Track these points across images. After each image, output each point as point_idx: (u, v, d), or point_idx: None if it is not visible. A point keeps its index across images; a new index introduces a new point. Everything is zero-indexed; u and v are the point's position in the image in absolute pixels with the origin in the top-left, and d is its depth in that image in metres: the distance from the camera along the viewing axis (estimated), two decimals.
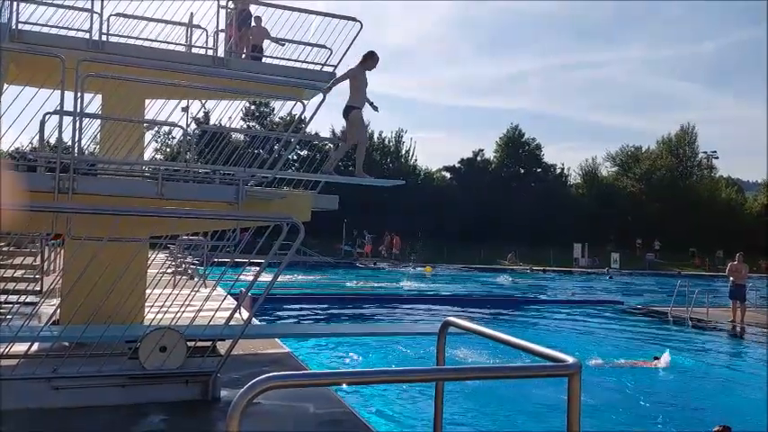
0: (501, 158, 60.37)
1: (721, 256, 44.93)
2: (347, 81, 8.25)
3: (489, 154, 60.86)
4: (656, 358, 11.29)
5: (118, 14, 8.03)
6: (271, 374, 2.00)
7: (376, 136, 54.48)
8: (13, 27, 7.21)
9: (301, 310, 17.10)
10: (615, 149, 66.59)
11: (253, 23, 9.46)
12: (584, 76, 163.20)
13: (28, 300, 7.53)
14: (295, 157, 42.21)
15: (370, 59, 8.32)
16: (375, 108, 8.57)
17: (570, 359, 2.43)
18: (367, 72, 8.35)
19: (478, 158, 60.00)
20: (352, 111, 8.22)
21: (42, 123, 6.24)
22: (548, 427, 7.35)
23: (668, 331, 16.07)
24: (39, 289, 8.74)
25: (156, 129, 25.87)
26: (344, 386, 6.49)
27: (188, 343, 5.49)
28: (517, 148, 60.29)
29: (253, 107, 51.09)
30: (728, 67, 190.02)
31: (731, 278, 16.59)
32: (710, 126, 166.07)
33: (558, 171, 62.41)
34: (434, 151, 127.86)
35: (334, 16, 8.44)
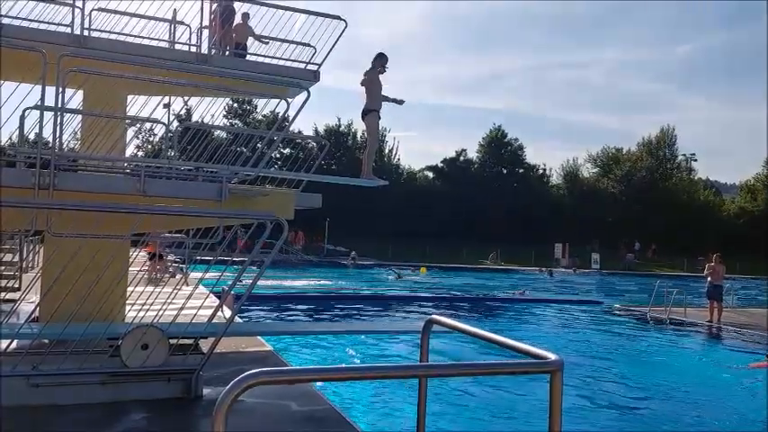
0: (483, 158, 60.67)
1: (701, 258, 45.60)
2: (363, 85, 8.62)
3: (472, 154, 61.20)
4: None
5: (100, 9, 7.94)
6: (257, 370, 2.01)
7: (359, 135, 54.46)
8: None
9: (284, 308, 17.06)
10: (597, 150, 67.38)
11: (238, 20, 9.42)
12: (566, 77, 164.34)
13: (6, 297, 7.43)
14: (278, 156, 42.17)
15: (380, 60, 8.68)
16: (400, 102, 8.83)
17: (552, 356, 2.46)
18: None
19: (461, 158, 60.26)
20: (369, 113, 8.47)
21: (22, 118, 6.16)
22: (535, 426, 7.42)
23: (647, 331, 16.29)
24: (17, 286, 8.63)
25: (138, 125, 25.62)
26: (327, 384, 6.50)
27: (170, 341, 5.46)
28: (500, 148, 60.65)
29: (236, 105, 50.88)
30: (707, 69, 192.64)
31: (709, 278, 16.85)
32: (690, 128, 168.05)
33: (540, 171, 62.88)
34: (417, 150, 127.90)
35: (318, 14, 8.42)
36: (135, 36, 8.11)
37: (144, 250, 15.54)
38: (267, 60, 8.74)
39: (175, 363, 5.50)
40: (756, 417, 8.46)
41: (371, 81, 8.53)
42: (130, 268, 7.12)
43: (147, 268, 13.06)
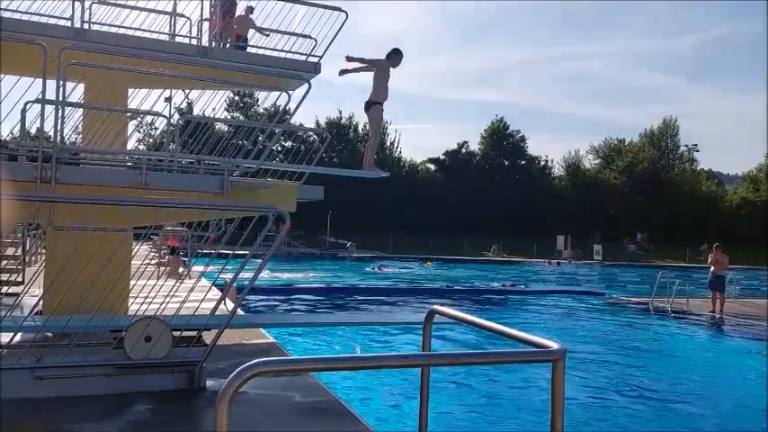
0: (485, 150, 60.58)
1: (703, 248, 45.53)
2: (371, 74, 8.37)
3: (474, 146, 61.11)
4: None
5: (100, 2, 7.92)
6: (260, 360, 2.02)
7: (360, 128, 54.41)
8: None
9: (287, 300, 17.10)
10: (599, 142, 67.26)
11: (240, 13, 9.40)
12: (568, 69, 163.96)
13: (10, 291, 7.45)
14: (279, 149, 42.14)
15: (395, 56, 8.46)
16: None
17: (554, 345, 2.47)
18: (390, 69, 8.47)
19: (463, 150, 60.17)
20: (373, 105, 8.36)
21: (23, 112, 6.16)
22: (538, 415, 7.45)
23: (649, 321, 16.31)
24: (21, 280, 8.66)
25: (140, 119, 25.63)
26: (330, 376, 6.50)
27: (173, 333, 5.47)
28: (502, 140, 60.56)
29: (237, 98, 50.82)
30: (710, 61, 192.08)
31: (711, 268, 16.83)
32: (692, 119, 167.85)
33: (542, 163, 62.78)
34: (419, 143, 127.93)
35: (319, 6, 8.39)
36: (135, 29, 8.09)
37: (148, 245, 15.58)
38: (268, 52, 8.72)
39: (179, 355, 5.52)
40: (757, 406, 8.48)
41: (382, 71, 8.38)
42: (133, 261, 7.13)
43: (167, 262, 13.14)
